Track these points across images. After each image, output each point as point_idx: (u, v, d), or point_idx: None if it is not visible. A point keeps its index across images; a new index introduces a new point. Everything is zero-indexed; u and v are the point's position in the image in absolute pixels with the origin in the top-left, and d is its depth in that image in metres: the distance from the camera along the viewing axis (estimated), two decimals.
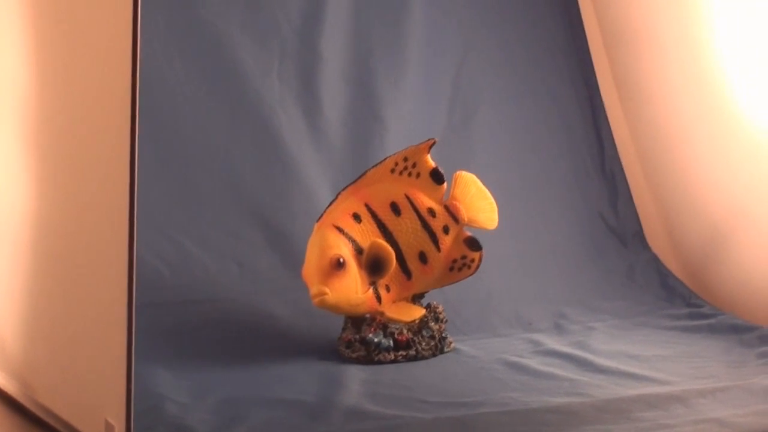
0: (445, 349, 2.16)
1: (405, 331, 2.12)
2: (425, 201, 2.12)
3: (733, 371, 2.00)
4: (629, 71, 2.76)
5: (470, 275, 2.18)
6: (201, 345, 2.14)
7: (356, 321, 2.13)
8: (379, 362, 2.09)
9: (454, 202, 2.15)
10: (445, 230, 2.13)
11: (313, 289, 1.99)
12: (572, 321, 2.36)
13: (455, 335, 2.21)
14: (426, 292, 2.18)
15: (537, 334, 2.27)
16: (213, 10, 2.50)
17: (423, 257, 2.11)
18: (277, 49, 2.55)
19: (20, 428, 1.65)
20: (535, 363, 2.07)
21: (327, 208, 2.09)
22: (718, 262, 2.51)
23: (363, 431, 1.72)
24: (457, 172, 2.19)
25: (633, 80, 2.76)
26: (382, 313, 2.08)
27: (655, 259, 2.67)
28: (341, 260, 2.00)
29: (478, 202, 2.19)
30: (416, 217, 2.11)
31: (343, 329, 2.15)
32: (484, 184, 2.21)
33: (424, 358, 2.12)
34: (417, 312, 2.12)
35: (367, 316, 2.11)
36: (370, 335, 2.10)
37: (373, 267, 2.04)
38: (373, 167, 2.12)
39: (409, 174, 2.12)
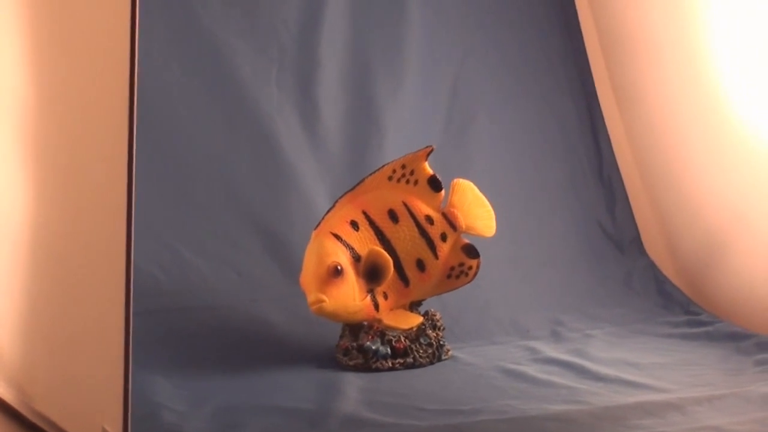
0: (443, 357, 2.15)
1: (402, 339, 2.12)
2: (423, 208, 2.12)
3: (730, 379, 2.00)
4: (626, 77, 2.77)
5: (468, 283, 2.18)
6: (198, 352, 2.14)
7: (354, 328, 2.12)
8: (377, 370, 2.09)
9: (452, 210, 2.15)
10: (443, 238, 2.13)
11: (311, 297, 1.99)
12: (570, 328, 2.36)
13: (453, 343, 2.21)
14: (424, 300, 2.18)
15: (534, 342, 2.27)
16: (211, 17, 2.50)
17: (421, 265, 2.11)
18: (275, 56, 2.55)
19: None
20: (532, 370, 2.06)
21: (325, 215, 2.09)
22: (716, 269, 2.51)
23: None
24: (455, 180, 2.19)
25: (630, 86, 2.76)
26: (379, 321, 2.08)
27: (652, 266, 2.67)
28: (339, 268, 1.99)
29: (476, 210, 2.19)
30: (414, 225, 2.11)
31: (341, 337, 2.15)
32: (481, 191, 2.21)
33: (421, 365, 2.12)
34: (415, 319, 2.12)
35: (365, 323, 2.11)
36: (368, 343, 2.10)
37: (371, 274, 2.04)
38: (370, 175, 2.12)
39: (407, 181, 2.12)
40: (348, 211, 2.08)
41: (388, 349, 2.10)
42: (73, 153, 1.59)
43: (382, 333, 2.11)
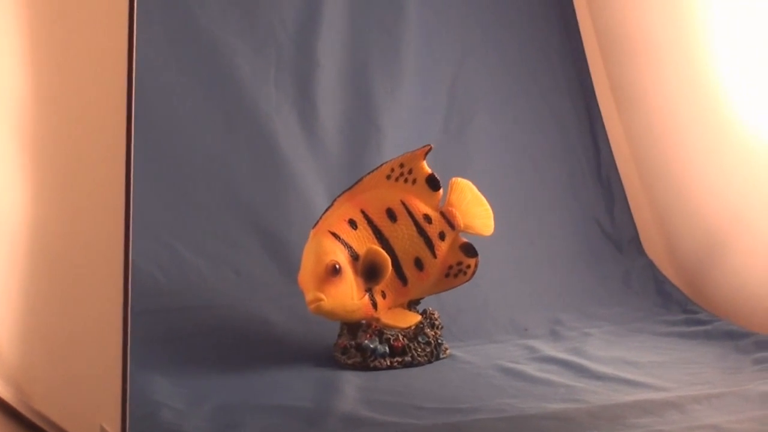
0: (441, 356, 2.16)
1: (401, 338, 2.12)
2: (421, 207, 2.12)
3: (728, 377, 2.00)
4: (625, 76, 2.77)
5: (466, 281, 2.18)
6: (197, 351, 2.14)
7: (352, 327, 2.13)
8: (375, 368, 2.09)
9: (450, 209, 2.15)
10: (441, 236, 2.14)
11: (309, 296, 1.99)
12: (568, 327, 2.36)
13: (451, 341, 2.21)
14: (422, 299, 2.18)
15: (533, 341, 2.28)
16: (210, 17, 2.50)
17: (419, 263, 2.12)
18: (273, 56, 2.55)
19: None
20: (531, 369, 2.07)
21: (323, 214, 2.09)
22: (714, 268, 2.51)
23: None
24: (453, 179, 2.19)
25: (629, 85, 2.76)
26: (377, 320, 2.08)
27: (651, 265, 2.67)
28: (337, 266, 1.99)
29: (474, 209, 2.19)
30: (412, 224, 2.11)
31: (339, 335, 2.15)
32: (480, 190, 2.21)
33: (419, 364, 2.12)
34: (413, 318, 2.12)
35: (363, 322, 2.11)
36: (366, 341, 2.10)
37: (369, 273, 2.04)
38: (369, 173, 2.12)
39: (405, 180, 2.12)
40: (346, 209, 2.08)
41: (387, 348, 2.10)
42: (71, 153, 1.60)
43: (380, 332, 2.11)
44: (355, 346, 2.10)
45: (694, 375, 2.02)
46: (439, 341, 2.16)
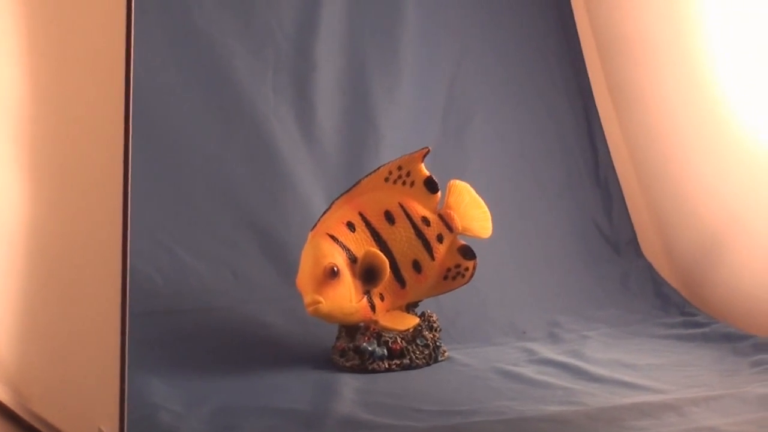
0: (439, 358, 2.16)
1: (399, 340, 2.12)
2: (419, 210, 2.12)
3: (726, 380, 2.01)
4: (623, 78, 2.77)
5: (464, 284, 2.17)
6: (195, 354, 2.14)
7: (350, 330, 2.12)
8: (373, 371, 2.09)
9: (448, 211, 2.15)
10: (439, 239, 2.13)
11: (307, 298, 1.99)
12: (566, 329, 2.36)
13: (449, 344, 2.21)
14: (420, 301, 2.18)
15: (531, 343, 2.28)
16: (207, 19, 2.50)
17: (417, 266, 2.11)
18: (271, 58, 2.55)
19: None
20: (529, 372, 2.07)
21: (321, 216, 2.08)
22: (712, 269, 2.51)
23: None
24: (451, 181, 2.19)
25: (627, 87, 2.76)
26: (376, 322, 2.08)
27: (649, 267, 2.67)
28: (335, 269, 1.99)
29: (472, 211, 2.19)
30: (410, 226, 2.11)
31: (337, 338, 2.15)
32: (478, 192, 2.21)
33: (418, 366, 2.12)
34: (411, 321, 2.12)
35: (361, 324, 2.11)
36: (364, 344, 2.10)
37: (367, 276, 2.04)
38: (367, 176, 2.12)
39: (403, 183, 2.12)
40: (344, 212, 2.08)
41: (385, 351, 2.10)
42: (69, 154, 1.60)
43: (378, 334, 2.11)
44: (354, 348, 2.10)
45: (692, 377, 2.02)
46: (438, 344, 2.16)
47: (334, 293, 1.99)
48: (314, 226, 2.06)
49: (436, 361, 2.15)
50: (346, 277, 2.01)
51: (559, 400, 1.89)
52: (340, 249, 2.04)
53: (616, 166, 2.80)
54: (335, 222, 2.06)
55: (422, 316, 2.16)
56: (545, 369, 2.09)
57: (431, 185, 2.13)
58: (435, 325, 2.17)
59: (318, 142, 2.55)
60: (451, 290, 2.18)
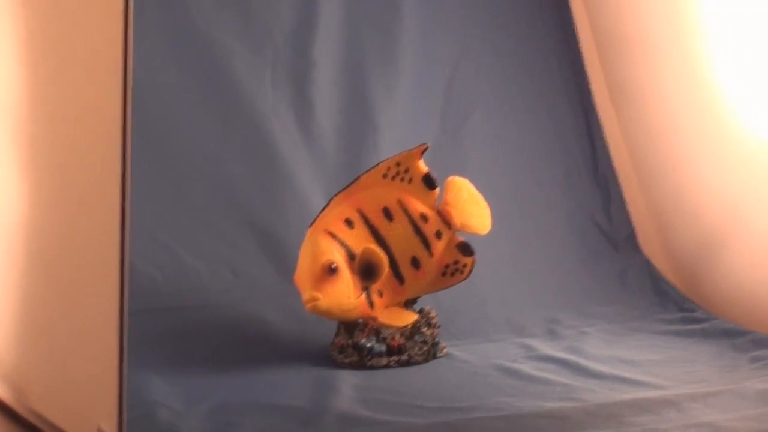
0: (438, 355, 2.16)
1: (398, 337, 2.12)
2: (418, 206, 2.12)
3: (725, 375, 2.01)
4: (622, 76, 2.77)
5: (463, 280, 2.18)
6: (194, 351, 2.14)
7: (349, 326, 2.13)
8: (372, 367, 2.09)
9: (447, 207, 2.15)
10: (438, 235, 2.14)
11: (306, 295, 1.99)
12: (565, 326, 2.37)
13: (448, 340, 2.22)
14: (418, 297, 2.18)
15: (530, 339, 2.28)
16: (206, 18, 2.50)
17: (415, 262, 2.12)
18: (270, 56, 2.55)
19: None
20: (528, 368, 2.07)
21: (319, 213, 2.09)
22: (711, 266, 2.52)
23: None
24: (450, 178, 2.19)
25: (626, 85, 2.76)
26: (374, 319, 2.09)
27: (647, 264, 2.67)
28: (333, 266, 2.00)
29: (471, 207, 2.19)
30: (409, 223, 2.11)
31: (336, 334, 2.15)
32: (476, 189, 2.21)
33: (416, 363, 2.12)
34: (410, 317, 2.12)
35: (360, 321, 2.11)
36: (363, 340, 2.10)
37: (366, 272, 2.04)
38: (365, 173, 2.12)
39: (402, 179, 2.12)
40: (343, 209, 2.08)
41: (384, 347, 2.10)
42: (67, 154, 1.60)
43: (377, 331, 2.11)
44: (352, 345, 2.10)
45: (691, 373, 2.03)
46: (436, 340, 2.16)
47: (333, 290, 1.99)
48: (312, 223, 2.07)
49: (434, 357, 2.15)
50: (345, 274, 2.02)
51: (558, 396, 1.89)
52: (338, 246, 2.04)
53: (614, 163, 2.80)
54: (333, 219, 2.06)
55: (421, 312, 2.16)
56: (544, 365, 2.09)
57: (429, 182, 2.13)
58: (434, 321, 2.17)
59: (317, 141, 2.55)
60: (450, 287, 2.18)
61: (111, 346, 1.45)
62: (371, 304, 2.07)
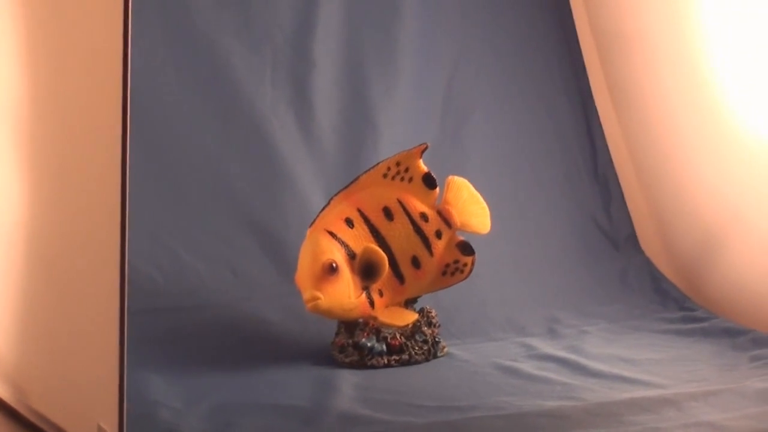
0: (438, 354, 2.16)
1: (398, 336, 2.12)
2: (418, 206, 2.12)
3: (725, 374, 2.01)
4: (622, 75, 2.77)
5: (463, 280, 2.18)
6: (194, 351, 2.14)
7: (349, 326, 2.13)
8: (372, 367, 2.09)
9: (447, 207, 2.15)
10: (438, 235, 2.14)
11: (306, 294, 1.99)
12: (565, 325, 2.37)
13: (448, 339, 2.22)
14: (419, 297, 2.18)
15: (530, 339, 2.28)
16: (205, 17, 2.50)
17: (416, 262, 2.12)
18: (269, 56, 2.55)
19: None
20: (528, 367, 2.07)
21: (319, 213, 2.09)
22: (711, 265, 2.52)
23: None
24: (450, 177, 2.19)
25: (625, 84, 2.76)
26: (375, 318, 2.09)
27: (648, 263, 2.67)
28: (334, 265, 2.00)
29: (471, 207, 2.19)
30: (409, 222, 2.11)
31: (337, 334, 2.15)
32: (476, 188, 2.21)
33: (417, 362, 2.12)
34: (410, 316, 2.12)
35: (360, 320, 2.11)
36: (364, 340, 2.10)
37: (366, 272, 2.04)
38: (365, 172, 2.12)
39: (402, 179, 2.12)
40: (343, 208, 2.08)
41: (384, 346, 2.10)
42: (67, 153, 1.60)
43: (377, 330, 2.11)
44: (353, 344, 2.10)
45: (691, 372, 2.03)
46: (437, 339, 2.16)
47: (333, 289, 2.00)
48: (312, 223, 2.07)
49: (435, 356, 2.15)
50: (345, 274, 2.02)
51: (558, 395, 1.89)
52: (338, 245, 2.04)
53: (615, 162, 2.80)
54: (334, 218, 2.06)
55: (421, 311, 2.16)
56: (544, 364, 2.09)
57: (429, 181, 2.13)
58: (434, 320, 2.17)
59: (317, 141, 2.55)
60: (450, 286, 2.19)
61: (111, 345, 1.45)
62: (371, 303, 2.07)
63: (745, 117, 2.38)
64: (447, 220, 2.15)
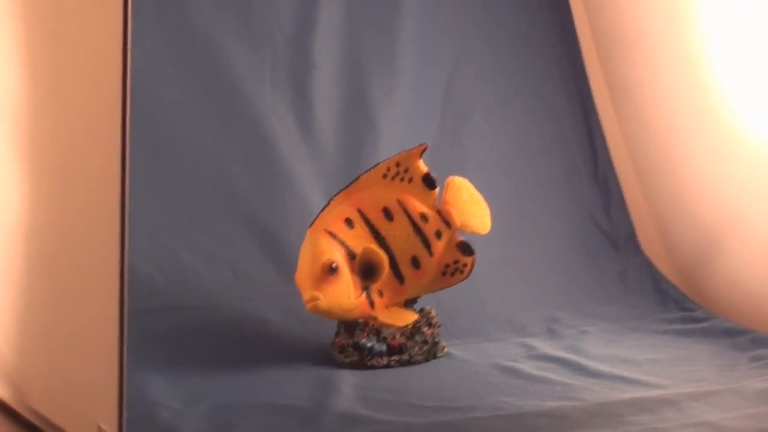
0: (438, 354, 2.16)
1: (398, 336, 2.12)
2: (417, 206, 2.12)
3: (725, 374, 2.01)
4: (621, 76, 2.77)
5: (463, 280, 2.18)
6: (194, 351, 2.14)
7: (349, 326, 2.13)
8: (372, 367, 2.09)
9: (447, 207, 2.15)
10: (438, 235, 2.14)
11: (306, 295, 1.99)
12: (565, 325, 2.37)
13: (448, 340, 2.22)
14: (419, 297, 2.18)
15: (530, 339, 2.28)
16: (205, 18, 2.50)
17: (415, 262, 2.12)
18: (269, 56, 2.55)
19: None
20: (528, 367, 2.07)
21: (319, 213, 2.09)
22: (711, 265, 2.52)
23: None
24: (450, 177, 2.19)
25: (625, 85, 2.76)
26: (375, 318, 2.09)
27: (648, 263, 2.67)
28: (334, 265, 2.00)
29: (471, 207, 2.19)
30: (408, 222, 2.11)
31: (336, 334, 2.15)
32: (476, 188, 2.21)
33: (417, 362, 2.12)
34: (410, 317, 2.12)
35: (360, 321, 2.11)
36: (363, 340, 2.10)
37: (366, 272, 2.04)
38: (365, 172, 2.12)
39: (402, 179, 2.12)
40: (343, 209, 2.08)
41: (384, 347, 2.10)
42: (67, 153, 1.60)
43: (377, 330, 2.11)
44: (353, 344, 2.10)
45: (691, 372, 2.03)
46: (437, 340, 2.16)
47: (333, 290, 2.00)
48: (312, 223, 2.07)
49: (435, 357, 2.15)
50: (345, 274, 2.02)
51: (557, 395, 1.89)
52: (338, 245, 2.04)
53: (615, 163, 2.80)
54: (333, 218, 2.06)
55: (421, 312, 2.16)
56: (544, 365, 2.09)
57: (429, 181, 2.13)
58: (434, 321, 2.17)
59: (317, 141, 2.55)
60: (450, 286, 2.18)
61: (111, 345, 1.45)
62: (371, 303, 2.07)
63: (745, 117, 2.39)
64: (447, 221, 2.15)
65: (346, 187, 2.11)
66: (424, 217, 2.12)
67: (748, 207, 2.41)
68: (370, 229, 2.08)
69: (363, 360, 2.09)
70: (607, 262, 2.67)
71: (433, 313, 2.18)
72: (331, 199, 2.10)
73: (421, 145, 2.12)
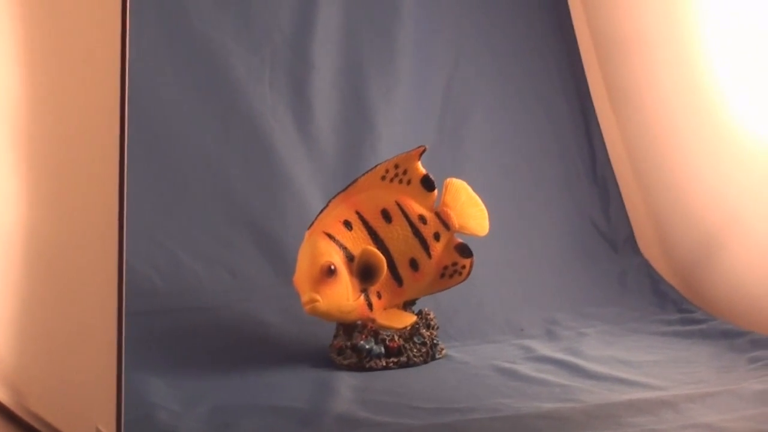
0: (437, 356, 2.16)
1: (396, 338, 2.12)
2: (416, 208, 2.12)
3: (723, 376, 2.01)
4: (620, 78, 2.77)
5: (461, 282, 2.18)
6: (192, 353, 2.14)
7: (348, 328, 2.13)
8: (371, 369, 2.09)
9: (445, 209, 2.16)
10: (436, 237, 2.14)
11: (305, 297, 1.99)
12: (564, 327, 2.37)
13: (447, 342, 2.22)
14: (417, 299, 2.18)
15: (528, 340, 2.28)
16: (204, 19, 2.50)
17: (414, 264, 2.12)
18: (268, 58, 2.55)
19: None
20: (526, 369, 2.07)
21: (318, 215, 2.09)
22: (710, 267, 2.52)
23: None
24: (448, 179, 2.19)
25: (624, 87, 2.76)
26: (373, 320, 2.09)
27: (646, 265, 2.67)
28: (332, 267, 2.00)
29: (469, 209, 2.19)
30: (407, 224, 2.11)
31: (335, 336, 2.15)
32: (475, 191, 2.21)
33: (415, 364, 2.12)
34: (408, 319, 2.12)
35: (359, 323, 2.11)
36: (362, 342, 2.10)
37: (364, 274, 2.04)
38: (364, 174, 2.12)
39: (400, 181, 2.12)
40: (341, 210, 2.08)
41: (382, 348, 2.10)
42: (65, 154, 1.60)
43: (375, 332, 2.11)
44: (351, 346, 2.10)
45: (689, 374, 2.03)
46: (435, 341, 2.16)
47: (332, 291, 1.99)
48: (311, 225, 2.07)
49: (433, 358, 2.15)
50: (344, 276, 2.02)
51: (556, 397, 1.89)
52: (337, 247, 2.04)
53: (613, 164, 2.81)
54: (332, 220, 2.06)
55: (419, 314, 2.16)
56: (542, 366, 2.09)
57: (428, 183, 2.13)
58: (432, 322, 2.17)
59: (315, 142, 2.55)
60: (449, 288, 2.19)
61: (109, 347, 1.44)
62: (370, 305, 2.07)
63: (744, 119, 2.39)
64: (445, 223, 2.15)
65: (345, 189, 2.11)
66: (422, 219, 2.12)
67: (747, 208, 2.41)
68: (368, 231, 2.08)
69: (361, 362, 2.09)
70: (606, 264, 2.67)
71: (432, 314, 2.18)
72: (330, 201, 2.10)
73: (419, 147, 2.12)
